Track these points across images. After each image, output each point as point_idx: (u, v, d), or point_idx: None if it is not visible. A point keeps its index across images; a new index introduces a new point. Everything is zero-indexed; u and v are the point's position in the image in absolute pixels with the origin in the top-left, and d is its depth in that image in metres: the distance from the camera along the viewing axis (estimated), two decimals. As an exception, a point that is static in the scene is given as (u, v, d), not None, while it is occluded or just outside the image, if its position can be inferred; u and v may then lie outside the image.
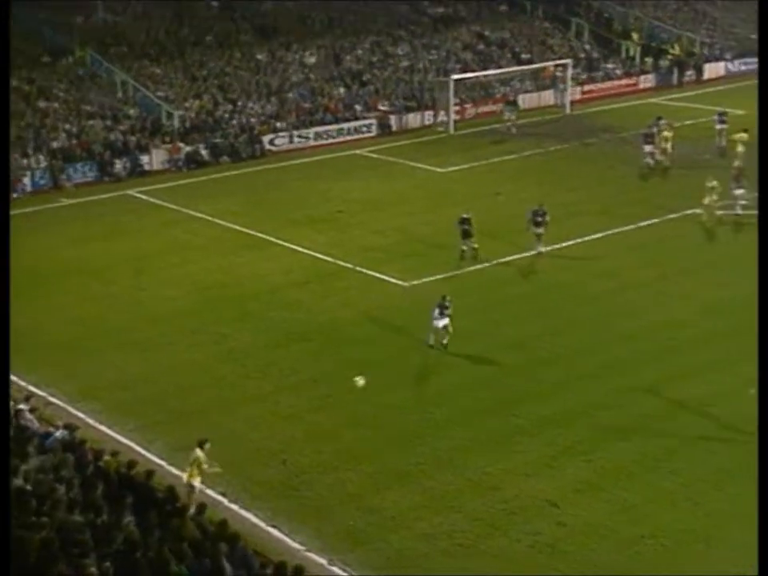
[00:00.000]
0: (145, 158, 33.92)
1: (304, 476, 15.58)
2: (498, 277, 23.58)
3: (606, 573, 13.20)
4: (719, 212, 26.18)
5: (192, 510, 12.59)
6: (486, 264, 24.14)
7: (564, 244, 25.42)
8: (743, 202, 26.15)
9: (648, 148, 31.79)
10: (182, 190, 31.67)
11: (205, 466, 14.11)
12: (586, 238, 25.77)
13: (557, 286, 22.82)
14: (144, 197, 30.97)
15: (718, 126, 33.98)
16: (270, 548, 13.44)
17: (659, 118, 33.16)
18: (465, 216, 24.45)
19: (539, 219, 24.51)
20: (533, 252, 24.71)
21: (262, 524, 14.32)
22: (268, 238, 26.54)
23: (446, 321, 19.52)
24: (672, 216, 27.15)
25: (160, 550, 10.89)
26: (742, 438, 15.74)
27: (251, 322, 21.40)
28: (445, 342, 19.59)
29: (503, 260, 24.39)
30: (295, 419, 17.27)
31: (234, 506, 14.68)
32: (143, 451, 16.04)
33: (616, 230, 26.24)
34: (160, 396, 18.02)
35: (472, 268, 23.86)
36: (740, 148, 29.34)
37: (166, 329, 20.80)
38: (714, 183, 26.06)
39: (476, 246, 24.24)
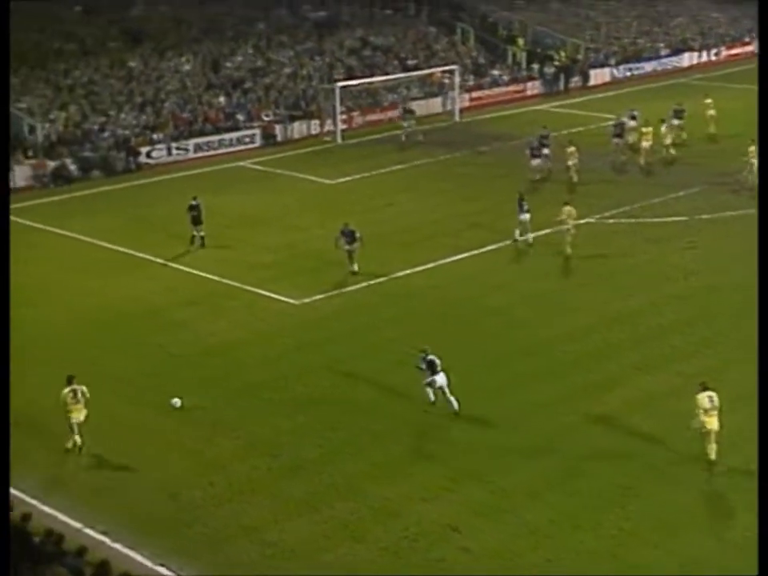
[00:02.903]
0: (7, 175, 32.81)
1: (196, 510, 15.32)
2: (391, 291, 23.74)
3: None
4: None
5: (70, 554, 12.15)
6: (382, 279, 24.28)
7: (459, 256, 25.84)
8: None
9: (535, 162, 32.02)
10: (50, 208, 30.84)
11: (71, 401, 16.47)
12: (482, 250, 26.25)
13: (453, 301, 23.11)
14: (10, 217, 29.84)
15: (616, 138, 33.89)
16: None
17: (545, 128, 33.93)
18: (193, 203, 26.63)
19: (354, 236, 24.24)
20: (432, 264, 24.99)
21: (148, 563, 13.98)
22: (147, 257, 26.06)
23: (442, 379, 17.63)
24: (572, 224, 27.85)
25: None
26: (644, 453, 16.31)
27: (132, 347, 20.93)
28: (455, 408, 17.63)
29: (398, 274, 24.61)
30: (183, 450, 16.98)
31: (117, 546, 14.28)
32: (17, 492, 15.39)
33: (509, 241, 26.80)
34: (27, 427, 17.34)
35: (364, 284, 23.98)
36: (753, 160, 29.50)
37: (37, 358, 20.09)
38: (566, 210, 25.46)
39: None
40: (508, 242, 26.58)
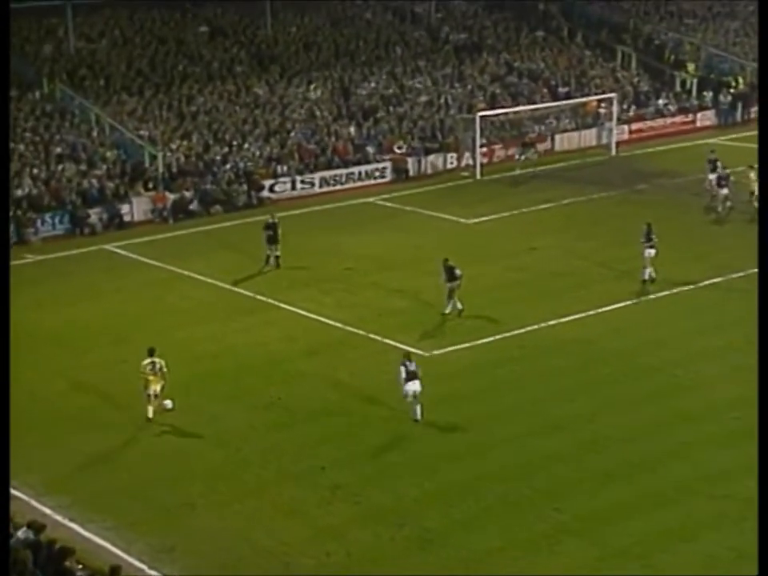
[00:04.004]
0: (124, 208, 34.49)
1: (310, 582, 15.56)
2: (535, 344, 23.69)
3: None
4: None
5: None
6: (523, 330, 24.33)
7: (614, 306, 25.63)
8: None
9: (724, 192, 32.30)
10: (168, 245, 32.14)
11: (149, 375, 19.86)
12: (639, 300, 26.01)
13: (603, 358, 22.91)
14: (123, 252, 31.41)
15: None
16: None
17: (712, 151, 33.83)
18: (270, 221, 29.09)
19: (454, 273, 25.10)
20: (580, 314, 24.96)
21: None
22: (267, 300, 26.82)
23: (416, 386, 19.85)
24: (736, 275, 27.32)
25: None
26: None
27: (248, 399, 21.50)
28: (417, 415, 19.95)
29: (542, 325, 24.54)
30: (300, 514, 17.29)
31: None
32: (120, 553, 16.05)
33: (673, 291, 26.40)
34: (141, 488, 18.07)
35: (500, 336, 24.04)
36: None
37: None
38: None
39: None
40: (671, 292, 26.18)
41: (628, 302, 25.94)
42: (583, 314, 25.13)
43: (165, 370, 20.23)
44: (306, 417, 20.65)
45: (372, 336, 24.29)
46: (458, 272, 25.13)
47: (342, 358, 23.38)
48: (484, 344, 23.75)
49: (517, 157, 39.43)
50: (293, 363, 23.16)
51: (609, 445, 19.09)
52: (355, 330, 24.71)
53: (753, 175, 31.52)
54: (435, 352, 23.34)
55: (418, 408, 20.04)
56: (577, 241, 31.05)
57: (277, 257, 28.91)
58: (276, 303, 26.56)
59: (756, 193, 30.62)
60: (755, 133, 41.87)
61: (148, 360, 20.25)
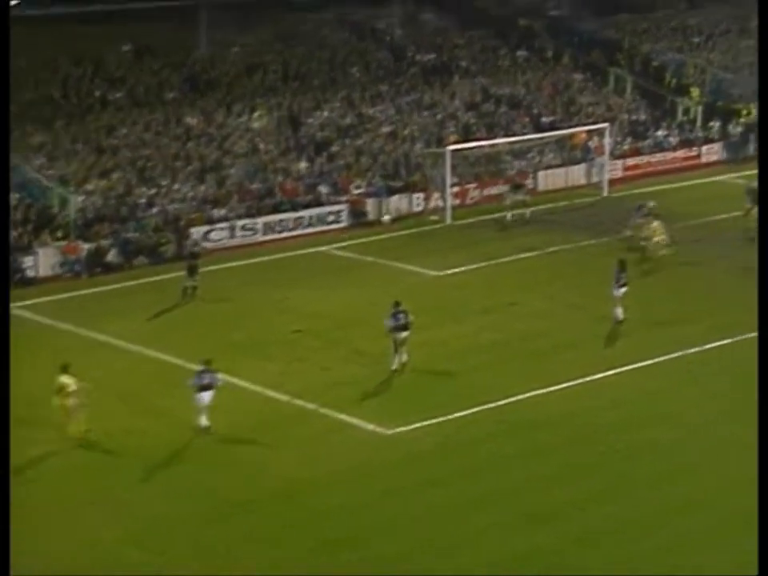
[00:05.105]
0: (28, 261, 34.27)
1: None
2: (516, 419, 23.77)
3: None
4: None
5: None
6: (503, 401, 24.45)
7: (608, 372, 25.84)
8: None
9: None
10: (82, 304, 32.01)
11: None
12: (640, 364, 26.24)
13: (596, 434, 23.04)
14: (27, 314, 31.11)
15: None
16: None
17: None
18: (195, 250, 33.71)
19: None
20: (569, 383, 25.16)
21: None
22: (197, 367, 26.61)
23: (209, 397, 23.19)
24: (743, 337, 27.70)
25: None
26: None
27: (172, 486, 21.31)
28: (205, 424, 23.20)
29: (525, 395, 24.66)
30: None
31: None
32: None
33: (674, 354, 26.70)
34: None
35: (476, 409, 24.09)
36: None
37: (63, 494, 20.74)
38: None
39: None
40: (674, 355, 26.55)
41: (624, 368, 26.12)
42: (572, 382, 25.29)
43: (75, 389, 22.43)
44: (243, 509, 20.45)
45: (324, 411, 24.26)
46: (408, 319, 25.73)
47: (286, 438, 23.26)
48: (457, 419, 23.77)
49: (506, 200, 39.66)
50: (228, 444, 23.02)
51: (602, 540, 19.02)
52: (304, 404, 24.67)
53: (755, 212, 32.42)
54: (399, 429, 23.32)
55: (206, 421, 23.32)
56: (564, 295, 31.34)
57: (194, 287, 31.71)
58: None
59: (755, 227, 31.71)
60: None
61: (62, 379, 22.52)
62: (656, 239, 33.79)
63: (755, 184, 35.79)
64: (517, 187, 40.19)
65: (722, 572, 18.05)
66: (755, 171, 42.55)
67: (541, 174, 42.92)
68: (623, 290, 28.73)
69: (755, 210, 34.38)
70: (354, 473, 21.71)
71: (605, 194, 42.18)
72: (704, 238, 36.09)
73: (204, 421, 23.26)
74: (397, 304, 26.23)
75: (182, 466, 22.28)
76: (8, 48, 22.46)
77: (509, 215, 39.01)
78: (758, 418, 11.79)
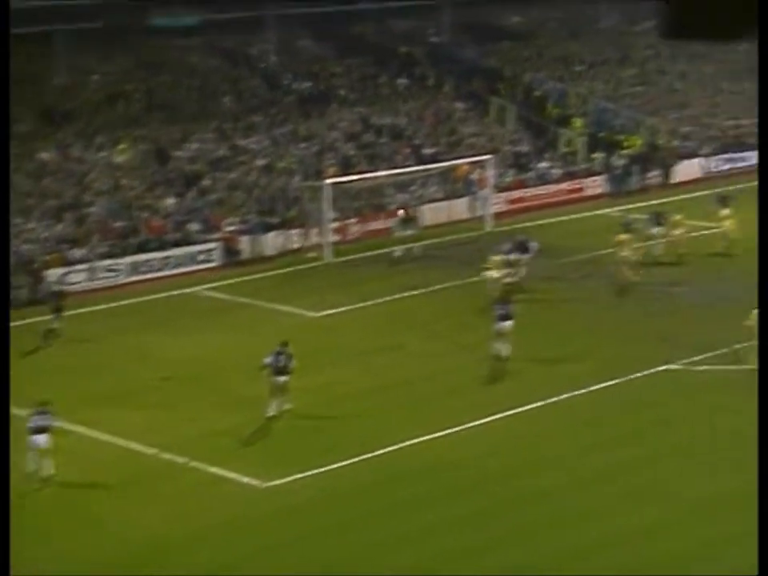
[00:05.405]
0: None
1: None
2: (397, 469, 23.75)
3: None
4: None
5: None
6: (384, 450, 24.43)
7: (493, 417, 25.95)
8: None
9: None
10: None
11: None
12: (525, 408, 26.44)
13: (480, 482, 23.06)
14: None
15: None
16: None
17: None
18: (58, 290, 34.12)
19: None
20: (453, 428, 25.27)
21: None
22: (53, 422, 25.95)
23: (44, 440, 23.09)
24: (635, 376, 28.26)
25: None
26: None
27: (26, 549, 20.61)
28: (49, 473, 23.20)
29: (407, 443, 24.63)
30: None
31: None
32: None
33: (561, 397, 27.02)
34: None
35: (356, 459, 24.03)
36: None
37: None
38: None
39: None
40: (562, 397, 26.88)
41: (509, 411, 26.27)
42: (456, 428, 25.33)
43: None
44: (104, 572, 20.04)
45: (194, 464, 23.94)
46: (291, 363, 25.65)
47: (154, 494, 22.95)
48: (335, 469, 23.69)
49: (394, 234, 39.72)
50: (87, 501, 22.61)
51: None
52: (173, 457, 24.33)
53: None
54: (275, 481, 23.16)
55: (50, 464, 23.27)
56: (448, 335, 31.55)
57: (55, 330, 31.81)
58: (68, 425, 25.72)
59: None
60: (653, 203, 44.22)
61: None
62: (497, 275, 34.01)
63: (631, 216, 37.01)
64: (406, 221, 40.33)
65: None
66: (639, 204, 44.21)
67: (424, 208, 43.12)
68: (507, 323, 28.82)
69: (626, 238, 35.55)
70: (226, 529, 21.44)
71: (488, 228, 42.63)
72: (589, 273, 36.75)
73: (47, 469, 22.82)
74: (284, 344, 26.17)
75: (35, 526, 21.70)
76: (8, 49, 22.50)
77: (397, 251, 39.19)
78: (758, 419, 12.28)
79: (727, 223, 38.44)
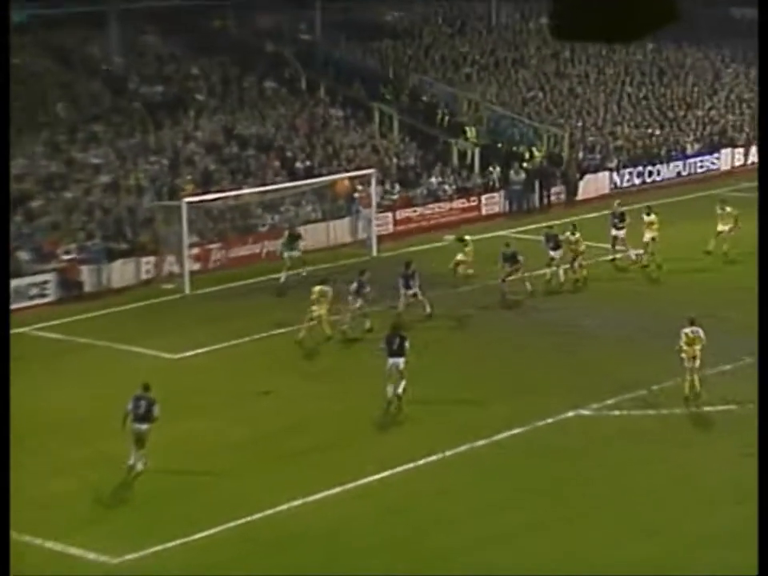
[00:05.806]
0: None
1: None
2: (264, 538, 23.44)
3: None
4: None
5: None
6: (251, 517, 24.02)
7: (382, 474, 25.75)
8: None
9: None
10: None
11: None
12: (421, 462, 26.23)
13: (364, 550, 22.90)
14: None
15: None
16: None
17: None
18: None
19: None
20: (335, 489, 25.10)
21: None
22: None
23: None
24: (544, 422, 28.29)
25: None
26: None
27: None
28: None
29: (276, 509, 24.27)
30: None
31: None
32: None
33: (460, 448, 26.91)
34: None
35: (220, 527, 23.60)
36: None
37: None
38: None
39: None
40: (475, 445, 26.95)
41: (403, 466, 26.06)
42: (338, 488, 25.06)
43: None
44: None
45: (28, 539, 23.19)
46: (155, 411, 25.47)
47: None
48: (198, 540, 23.21)
49: (286, 256, 39.43)
50: None
51: None
52: (1, 532, 23.54)
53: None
54: (128, 556, 22.65)
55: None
56: (328, 378, 31.47)
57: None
58: None
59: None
60: (557, 222, 44.54)
61: None
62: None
63: (511, 249, 37.24)
64: (292, 239, 39.96)
65: None
66: (540, 225, 44.57)
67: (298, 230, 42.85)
68: (400, 360, 28.55)
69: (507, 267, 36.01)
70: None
71: (374, 253, 42.62)
72: (486, 305, 36.93)
73: None
74: (145, 388, 25.93)
75: None
76: (8, 49, 21.98)
77: (283, 276, 38.94)
78: (759, 419, 12.27)
79: (652, 232, 39.04)
